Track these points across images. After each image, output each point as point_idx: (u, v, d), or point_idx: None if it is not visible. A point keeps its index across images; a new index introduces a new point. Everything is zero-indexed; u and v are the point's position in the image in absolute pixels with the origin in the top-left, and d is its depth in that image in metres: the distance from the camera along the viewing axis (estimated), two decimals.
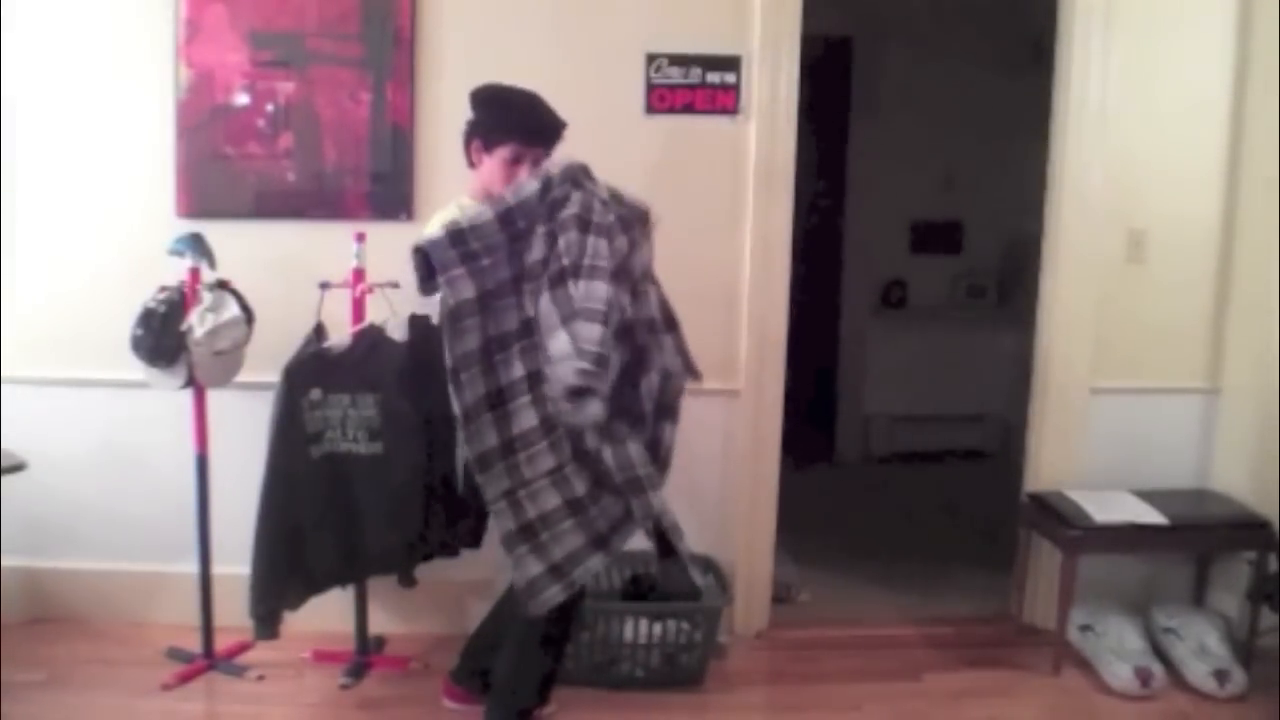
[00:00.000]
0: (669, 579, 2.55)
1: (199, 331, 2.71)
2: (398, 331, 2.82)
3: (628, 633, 2.85)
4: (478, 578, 3.04)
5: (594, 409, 2.14)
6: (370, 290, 2.83)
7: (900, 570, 3.76)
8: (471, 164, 2.49)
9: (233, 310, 2.77)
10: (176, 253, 2.78)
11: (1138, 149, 3.17)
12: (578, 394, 2.11)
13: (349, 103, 3.00)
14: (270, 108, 2.99)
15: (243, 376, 2.84)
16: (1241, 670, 2.91)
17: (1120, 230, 3.20)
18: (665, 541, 2.34)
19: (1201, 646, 2.99)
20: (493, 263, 2.17)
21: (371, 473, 2.78)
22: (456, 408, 2.18)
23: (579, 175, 2.24)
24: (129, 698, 2.75)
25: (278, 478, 2.69)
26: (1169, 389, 3.30)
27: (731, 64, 3.02)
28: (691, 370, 2.45)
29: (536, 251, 2.18)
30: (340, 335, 2.81)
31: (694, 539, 3.11)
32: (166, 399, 2.86)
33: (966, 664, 3.10)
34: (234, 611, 2.78)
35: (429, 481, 2.82)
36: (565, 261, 2.14)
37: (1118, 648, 3.00)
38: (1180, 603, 3.25)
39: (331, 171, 3.01)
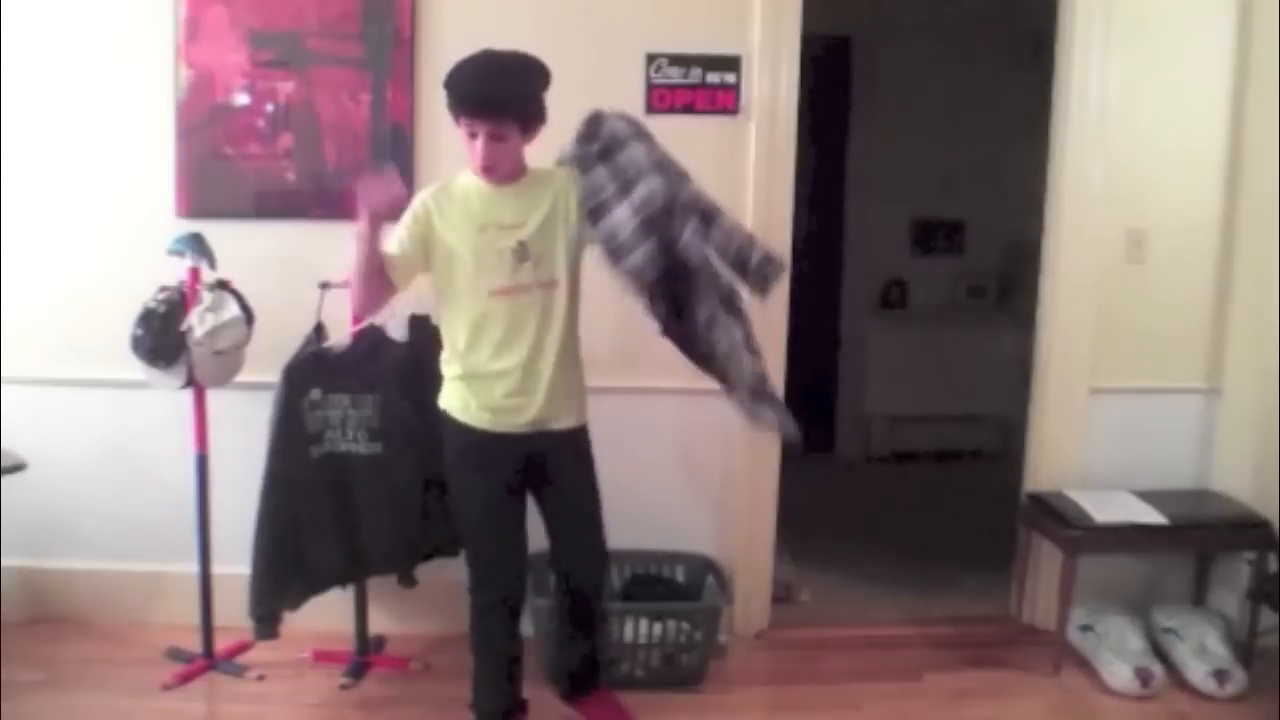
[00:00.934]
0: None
1: (199, 331, 2.71)
2: (398, 331, 2.82)
3: (628, 633, 2.84)
4: None
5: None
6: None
7: (900, 570, 3.76)
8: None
9: (233, 310, 2.77)
10: (176, 253, 2.78)
11: (1138, 149, 3.17)
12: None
13: (349, 103, 3.00)
14: (270, 108, 2.99)
15: (243, 376, 2.84)
16: (1241, 670, 2.92)
17: (1120, 230, 3.20)
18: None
19: (1201, 646, 2.99)
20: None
21: (371, 473, 2.78)
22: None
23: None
24: (129, 698, 2.75)
25: (277, 478, 2.69)
26: (1169, 389, 3.30)
27: (731, 64, 3.02)
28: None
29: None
30: (340, 335, 2.81)
31: (694, 539, 3.14)
32: (166, 399, 2.86)
33: (966, 664, 3.10)
34: (234, 611, 2.78)
35: (429, 482, 2.82)
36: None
37: (1118, 648, 3.00)
38: (1180, 603, 3.25)
39: (331, 171, 3.01)
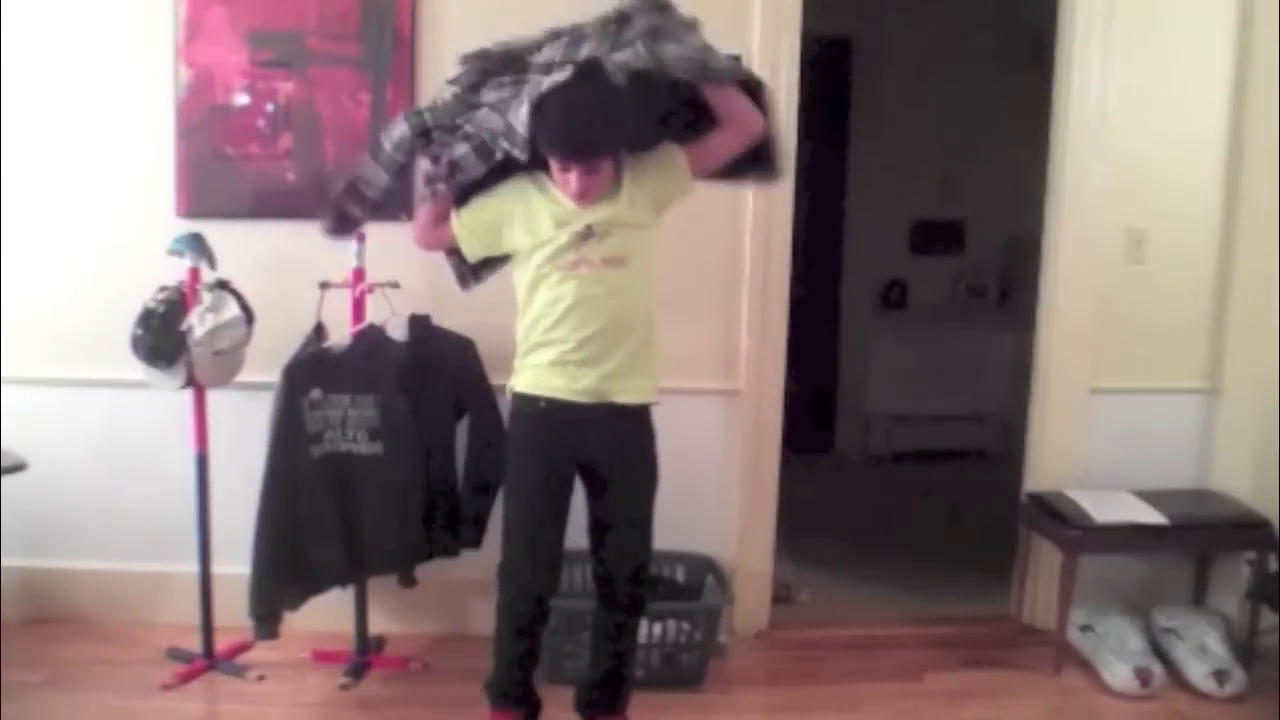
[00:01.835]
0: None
1: (199, 331, 2.71)
2: (398, 331, 2.82)
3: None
4: (478, 578, 3.03)
5: None
6: (370, 290, 2.83)
7: (900, 570, 3.76)
8: None
9: (233, 310, 2.77)
10: (176, 253, 2.77)
11: (1138, 149, 3.17)
12: None
13: (349, 103, 3.00)
14: (270, 108, 2.99)
15: (243, 376, 2.84)
16: (1241, 670, 2.91)
17: (1120, 230, 3.20)
18: None
19: (1201, 646, 2.99)
20: None
21: (371, 473, 2.78)
22: None
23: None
24: (129, 698, 2.74)
25: (278, 478, 2.69)
26: (1169, 389, 3.30)
27: None
28: None
29: None
30: (340, 335, 2.81)
31: (694, 539, 3.14)
32: (166, 399, 2.86)
33: (966, 664, 3.10)
34: (234, 611, 2.78)
35: (429, 481, 2.82)
36: None
37: (1118, 648, 2.99)
38: (1180, 603, 3.25)
39: (331, 171, 3.01)
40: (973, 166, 5.16)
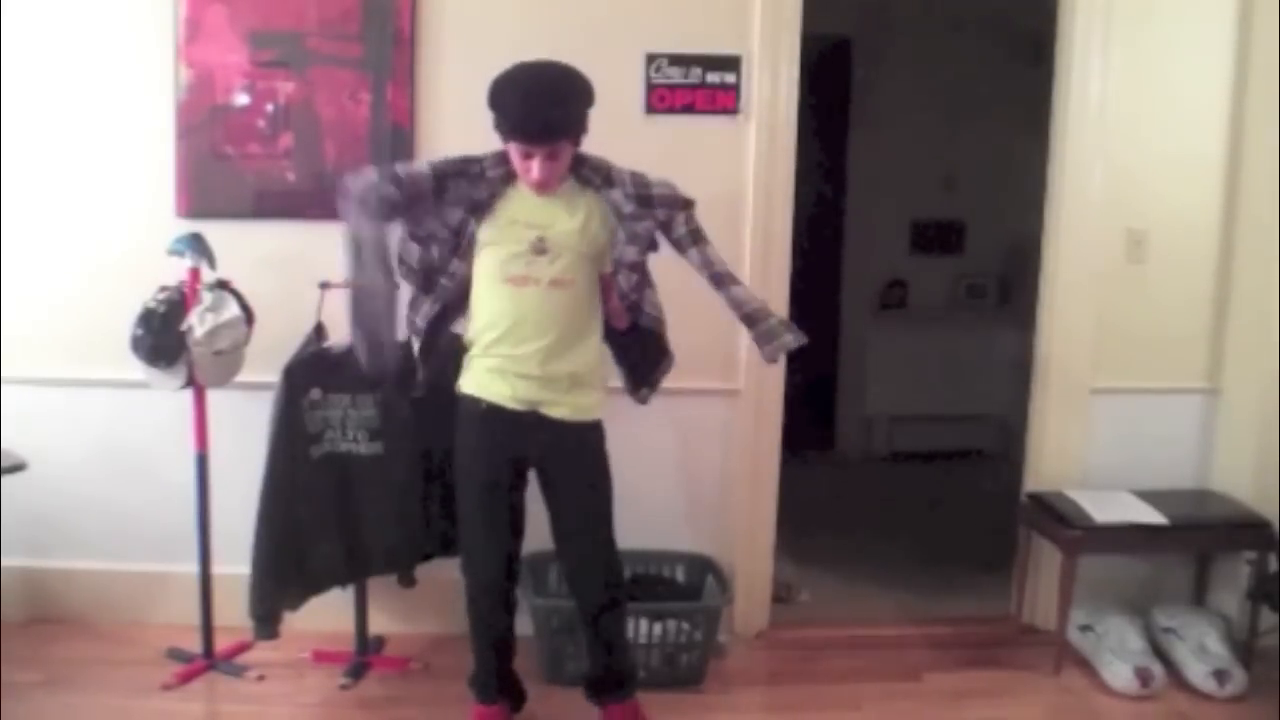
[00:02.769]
0: None
1: (199, 331, 2.71)
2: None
3: (628, 633, 2.84)
4: None
5: None
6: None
7: (900, 570, 3.76)
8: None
9: (233, 310, 2.77)
10: (176, 253, 2.78)
11: (1138, 149, 3.17)
12: None
13: (349, 103, 3.00)
14: (270, 108, 2.99)
15: (243, 376, 2.84)
16: (1241, 670, 2.91)
17: (1120, 230, 3.20)
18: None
19: (1201, 646, 2.99)
20: None
21: (371, 473, 2.78)
22: None
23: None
24: (129, 698, 2.74)
25: (278, 478, 2.69)
26: (1169, 389, 3.30)
27: (731, 64, 3.02)
28: None
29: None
30: (340, 335, 2.81)
31: (694, 539, 3.14)
32: (166, 399, 2.86)
33: (966, 664, 3.10)
34: (234, 611, 2.78)
35: (428, 481, 2.82)
36: None
37: (1118, 648, 2.99)
38: (1180, 603, 3.25)
39: (331, 171, 3.00)
40: (973, 167, 5.16)
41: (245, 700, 2.78)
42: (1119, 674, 2.92)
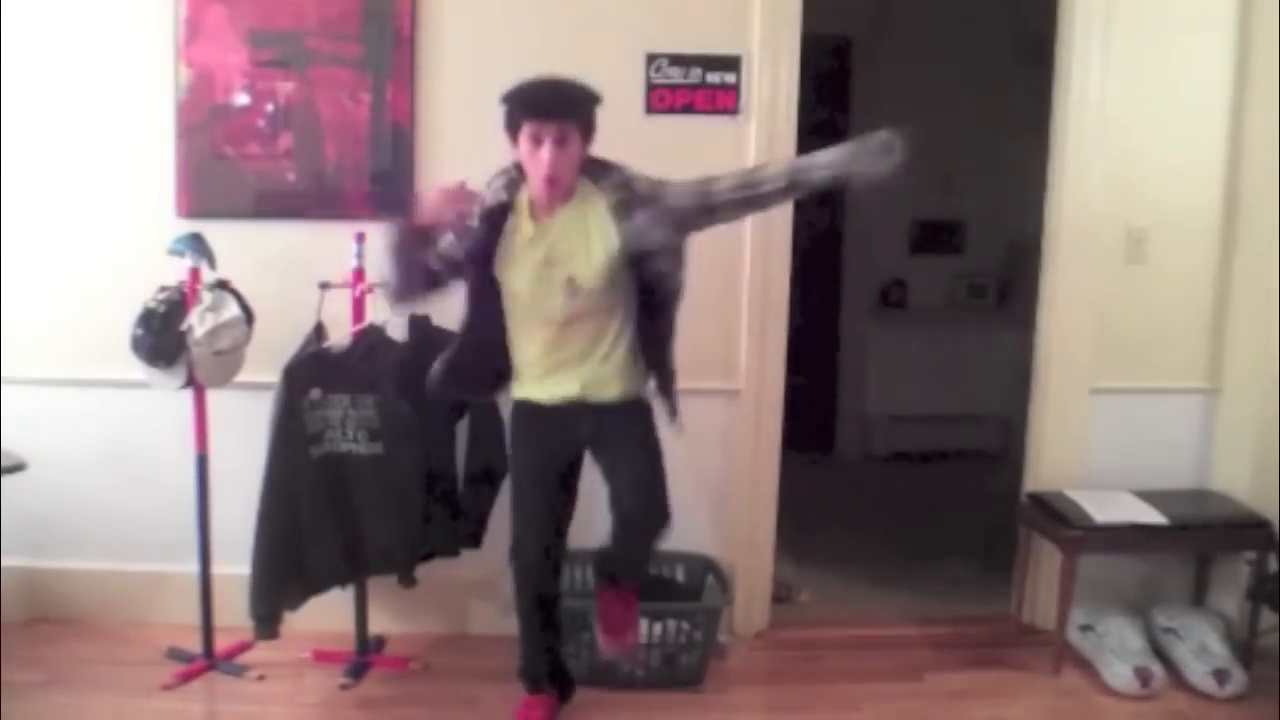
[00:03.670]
0: None
1: (199, 331, 2.71)
2: (398, 331, 2.82)
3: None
4: (478, 578, 3.04)
5: None
6: (370, 290, 2.83)
7: (900, 570, 3.76)
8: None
9: (233, 310, 2.77)
10: (176, 253, 2.78)
11: (1138, 147, 3.16)
12: None
13: (349, 103, 3.00)
14: (270, 108, 2.99)
15: (243, 376, 2.84)
16: (1241, 670, 2.92)
17: (1120, 230, 3.20)
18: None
19: (1201, 646, 2.99)
20: None
21: (371, 473, 2.78)
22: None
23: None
24: (129, 698, 2.75)
25: (278, 478, 2.69)
26: (1169, 389, 3.30)
27: (731, 64, 3.02)
28: None
29: None
30: (340, 335, 2.81)
31: (694, 538, 3.14)
32: (166, 399, 2.86)
33: (966, 664, 3.10)
34: (234, 611, 2.79)
35: (429, 481, 2.82)
36: None
37: (1118, 648, 3.00)
38: (1180, 603, 3.26)
39: (331, 171, 3.01)
40: (973, 166, 5.15)
41: (245, 700, 2.78)
42: (1119, 674, 2.92)
